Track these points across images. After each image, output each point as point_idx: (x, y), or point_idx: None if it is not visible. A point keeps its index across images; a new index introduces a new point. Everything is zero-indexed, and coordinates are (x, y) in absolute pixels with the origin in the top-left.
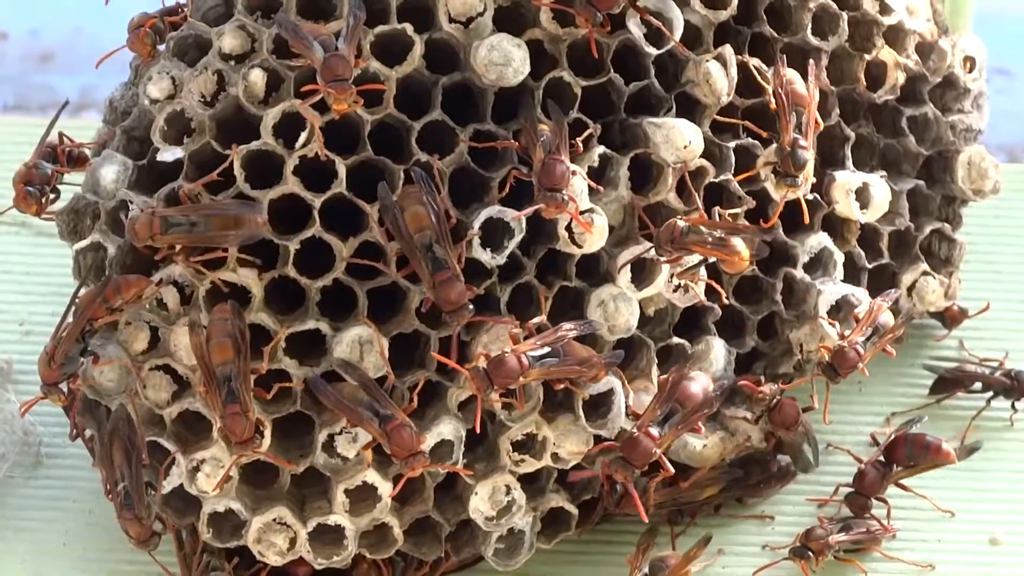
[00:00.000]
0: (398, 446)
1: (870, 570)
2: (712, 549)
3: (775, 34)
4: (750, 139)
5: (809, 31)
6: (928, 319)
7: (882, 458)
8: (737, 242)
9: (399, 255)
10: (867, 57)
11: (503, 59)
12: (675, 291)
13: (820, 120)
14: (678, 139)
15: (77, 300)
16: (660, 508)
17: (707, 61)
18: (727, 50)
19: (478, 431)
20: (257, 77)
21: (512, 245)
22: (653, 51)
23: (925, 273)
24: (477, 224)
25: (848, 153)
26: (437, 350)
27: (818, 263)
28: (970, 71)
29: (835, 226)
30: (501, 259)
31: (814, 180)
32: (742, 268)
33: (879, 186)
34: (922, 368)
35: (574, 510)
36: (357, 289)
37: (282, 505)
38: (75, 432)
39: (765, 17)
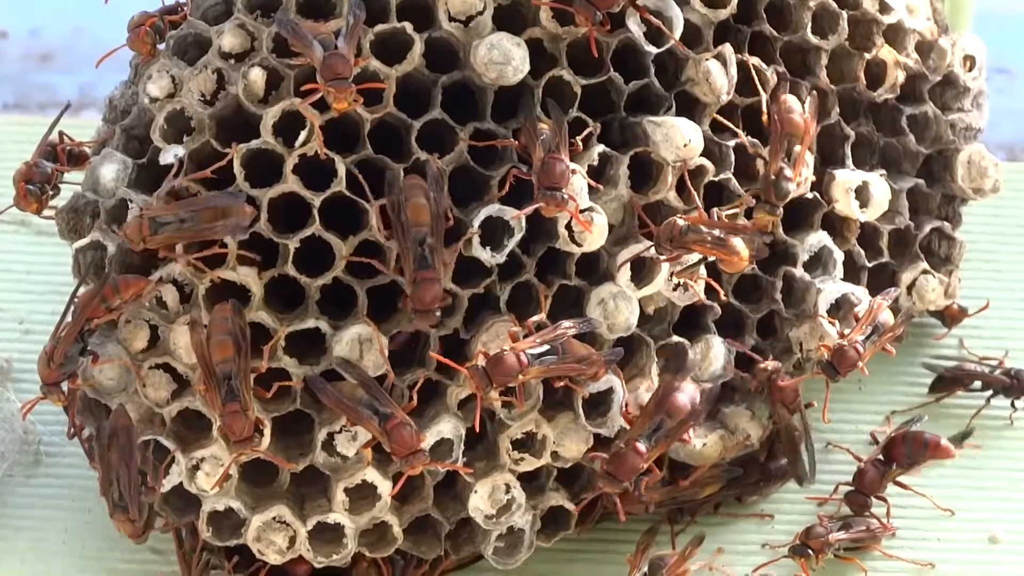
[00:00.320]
0: (398, 444)
1: (870, 569)
2: (712, 547)
3: (775, 33)
4: (750, 138)
5: (809, 30)
6: (928, 318)
7: (881, 457)
8: (737, 242)
9: (398, 255)
10: (867, 56)
11: (503, 58)
12: (675, 290)
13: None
14: (678, 138)
15: (76, 299)
16: (660, 507)
17: (707, 60)
18: (727, 49)
19: (477, 430)
20: (257, 76)
21: (512, 244)
22: (653, 50)
23: (925, 272)
24: (477, 223)
25: (848, 152)
26: (437, 349)
27: (818, 262)
28: (970, 70)
29: (835, 225)
30: (501, 257)
31: (814, 179)
32: (741, 268)
33: (879, 185)
34: (922, 367)
35: (574, 508)
36: (357, 288)
37: (282, 503)
38: (73, 431)
39: (765, 16)
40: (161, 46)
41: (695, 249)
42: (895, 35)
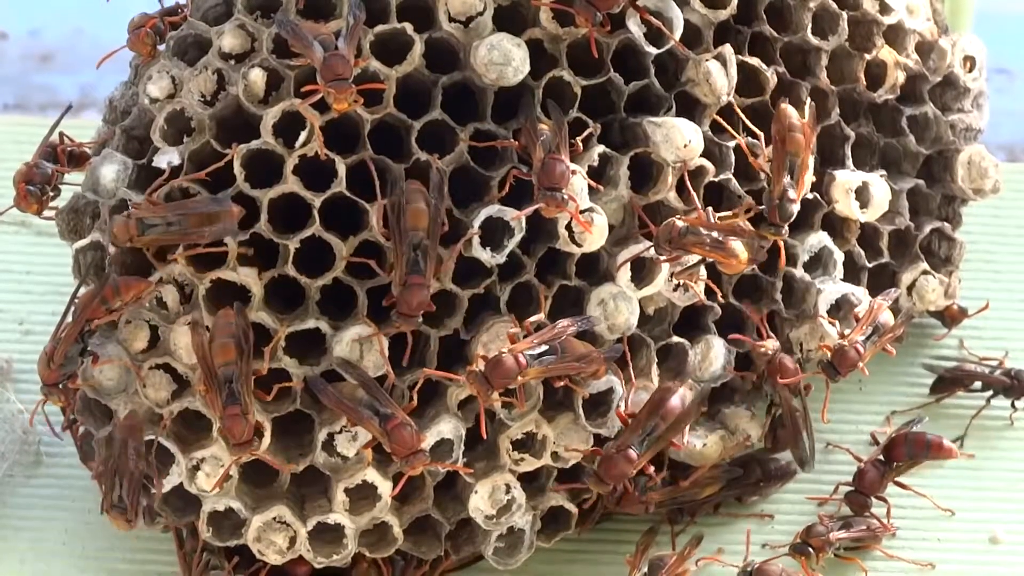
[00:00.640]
0: (398, 444)
1: (870, 569)
2: (713, 547)
3: (775, 33)
4: (750, 138)
5: (809, 31)
6: (928, 318)
7: (882, 457)
8: (736, 244)
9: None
10: (867, 56)
11: (503, 58)
12: (675, 290)
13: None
14: (678, 138)
15: (76, 300)
16: (660, 507)
17: (707, 60)
18: (727, 49)
19: (485, 436)
20: (257, 76)
21: (512, 244)
22: (653, 50)
23: (925, 272)
24: (477, 223)
25: (848, 152)
26: (436, 349)
27: (818, 262)
28: (970, 70)
29: (835, 225)
30: (501, 258)
31: (814, 179)
32: (739, 270)
33: (879, 185)
34: (922, 367)
35: (574, 509)
36: (357, 288)
37: (282, 504)
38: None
39: (765, 17)
40: (161, 47)
41: (693, 251)
42: (895, 36)
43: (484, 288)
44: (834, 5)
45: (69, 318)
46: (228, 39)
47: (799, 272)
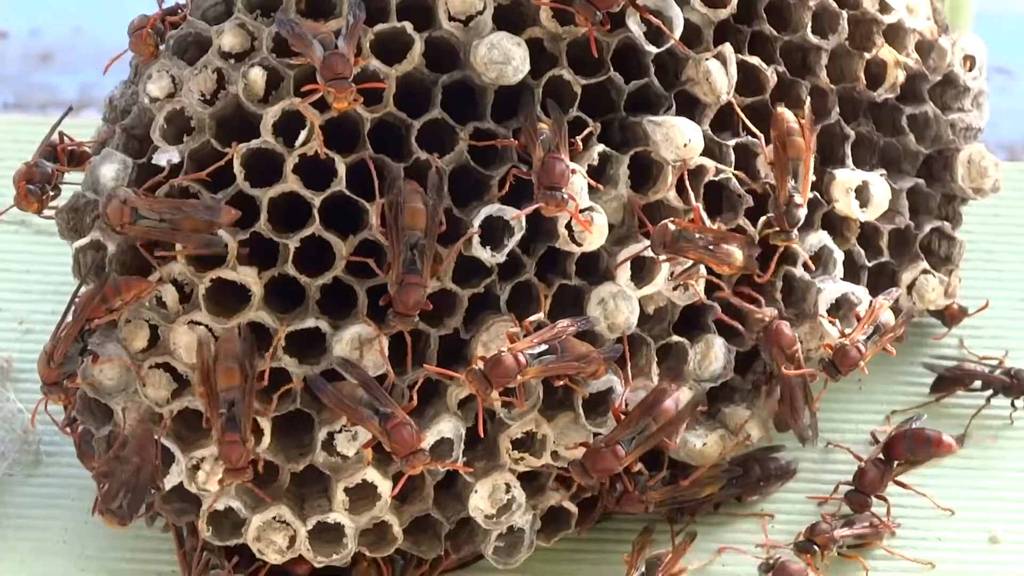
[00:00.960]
0: (398, 444)
1: (870, 569)
2: (712, 547)
3: (775, 32)
4: (750, 137)
5: (809, 29)
6: (928, 317)
7: (882, 456)
8: (729, 249)
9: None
10: (867, 55)
11: (503, 57)
12: (675, 289)
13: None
14: (678, 137)
15: (76, 299)
16: (660, 507)
17: (707, 59)
18: (727, 48)
19: (483, 434)
20: (257, 75)
21: (512, 243)
22: (653, 49)
23: (925, 271)
24: (477, 222)
25: (848, 151)
26: (436, 349)
27: (818, 261)
28: (970, 70)
29: (835, 224)
30: (501, 257)
31: (814, 178)
32: (733, 273)
33: (879, 184)
34: (922, 366)
35: (574, 508)
36: (357, 287)
37: (282, 503)
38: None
39: (765, 15)
40: (162, 46)
41: (687, 256)
42: (895, 35)
43: (484, 287)
44: (834, 4)
45: (69, 317)
46: (228, 38)
47: (799, 271)
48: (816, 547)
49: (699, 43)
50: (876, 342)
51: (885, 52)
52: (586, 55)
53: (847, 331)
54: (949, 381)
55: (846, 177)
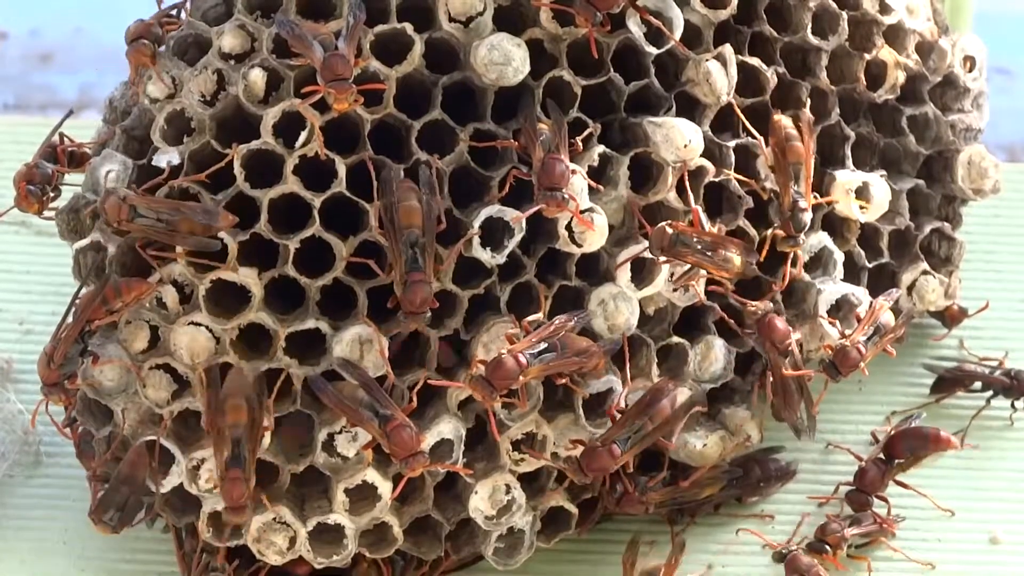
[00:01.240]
0: (398, 446)
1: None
2: (712, 548)
3: (775, 33)
4: (750, 138)
5: (809, 30)
6: (928, 318)
7: (882, 455)
8: (729, 255)
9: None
10: (867, 56)
11: (503, 58)
12: (675, 290)
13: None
14: (678, 138)
15: (77, 300)
16: (660, 507)
17: (707, 60)
18: (727, 49)
19: (496, 439)
20: (257, 76)
21: (512, 244)
22: (653, 50)
23: (925, 272)
24: (477, 223)
25: (848, 152)
26: (436, 349)
27: (818, 262)
28: (970, 70)
29: (835, 225)
30: (501, 258)
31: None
32: (731, 278)
33: (879, 185)
34: (922, 367)
35: (574, 509)
36: (357, 288)
37: (282, 504)
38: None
39: (765, 16)
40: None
41: (685, 260)
42: (895, 36)
43: (484, 288)
44: (834, 5)
45: (69, 318)
46: (228, 39)
47: (799, 272)
48: (828, 547)
49: (699, 44)
50: (876, 343)
51: (885, 53)
52: (586, 56)
53: (847, 332)
54: (949, 382)
55: (846, 178)
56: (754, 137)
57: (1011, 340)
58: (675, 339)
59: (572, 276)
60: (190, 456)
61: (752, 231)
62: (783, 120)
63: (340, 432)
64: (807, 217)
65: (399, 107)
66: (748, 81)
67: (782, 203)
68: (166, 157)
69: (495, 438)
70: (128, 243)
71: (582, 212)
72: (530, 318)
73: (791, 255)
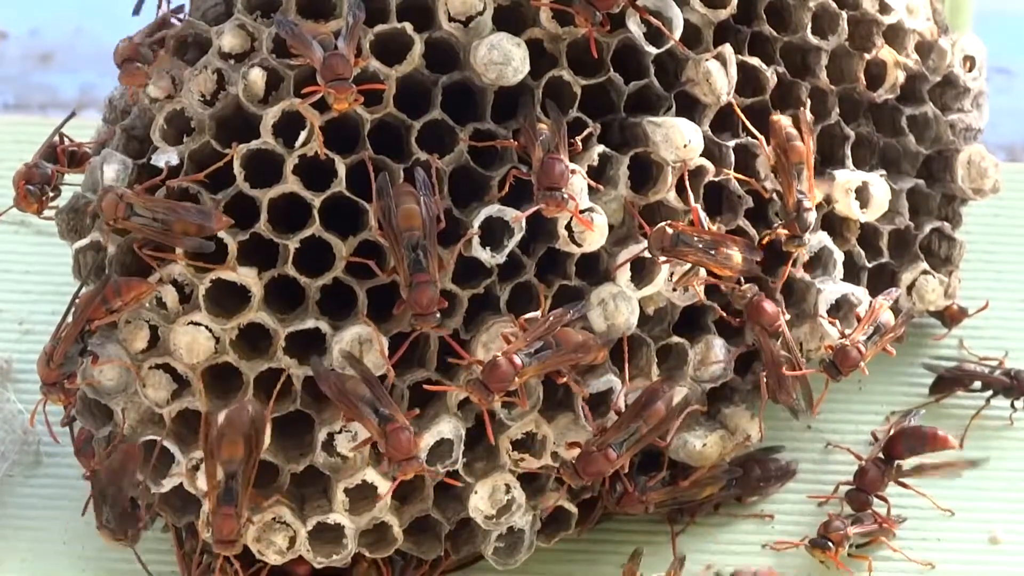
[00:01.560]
0: (395, 448)
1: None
2: (712, 548)
3: (775, 33)
4: (750, 138)
5: (809, 30)
6: (928, 318)
7: (882, 455)
8: (730, 252)
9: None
10: (867, 56)
11: (503, 58)
12: (675, 290)
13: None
14: (678, 138)
15: (77, 300)
16: (660, 507)
17: (707, 60)
18: (727, 49)
19: (491, 442)
20: (257, 76)
21: (512, 244)
22: (653, 50)
23: (925, 272)
24: (477, 223)
25: (848, 152)
26: (436, 349)
27: (818, 262)
28: (970, 70)
29: (835, 225)
30: (501, 258)
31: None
32: (732, 276)
33: (879, 185)
34: (922, 367)
35: (574, 509)
36: (357, 288)
37: (282, 504)
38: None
39: (765, 16)
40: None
41: (685, 259)
42: (895, 35)
43: (484, 288)
44: (834, 5)
45: (69, 318)
46: (228, 39)
47: (799, 272)
48: (831, 544)
49: (699, 44)
50: (876, 343)
51: (885, 53)
52: (586, 56)
53: (847, 332)
54: (949, 382)
55: (846, 178)
56: (754, 137)
57: (1011, 340)
58: (675, 339)
59: (572, 276)
60: (190, 456)
61: (752, 231)
62: (782, 120)
63: (340, 431)
64: (811, 217)
65: (399, 107)
66: (748, 81)
67: (787, 203)
68: (165, 157)
69: (491, 439)
70: (128, 243)
71: (582, 212)
72: (527, 316)
73: (792, 255)
